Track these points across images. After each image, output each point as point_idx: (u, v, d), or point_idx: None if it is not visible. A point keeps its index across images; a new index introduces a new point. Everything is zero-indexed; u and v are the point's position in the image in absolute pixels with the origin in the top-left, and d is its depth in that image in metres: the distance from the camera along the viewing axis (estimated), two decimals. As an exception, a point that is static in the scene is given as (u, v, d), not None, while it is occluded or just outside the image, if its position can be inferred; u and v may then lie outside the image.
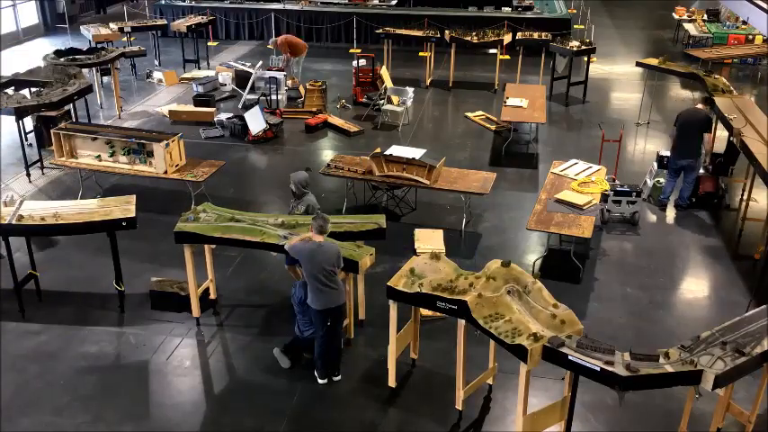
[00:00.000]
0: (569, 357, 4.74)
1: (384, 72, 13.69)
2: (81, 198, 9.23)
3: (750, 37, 16.63)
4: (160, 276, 7.51)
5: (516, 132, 11.98)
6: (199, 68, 15.73)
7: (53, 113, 10.50)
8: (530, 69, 14.66)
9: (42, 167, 10.42)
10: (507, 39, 14.71)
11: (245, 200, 9.67)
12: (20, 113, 9.78)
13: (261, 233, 6.48)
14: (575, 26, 18.54)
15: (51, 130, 9.38)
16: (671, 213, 9.37)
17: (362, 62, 13.87)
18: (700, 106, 9.42)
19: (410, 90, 12.54)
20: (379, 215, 6.87)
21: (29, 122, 10.87)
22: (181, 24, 15.81)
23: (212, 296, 7.27)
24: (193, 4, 18.61)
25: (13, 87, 10.86)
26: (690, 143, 9.15)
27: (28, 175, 10.20)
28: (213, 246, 6.97)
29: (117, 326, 7.03)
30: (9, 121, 10.06)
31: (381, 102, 12.78)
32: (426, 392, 6.17)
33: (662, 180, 9.71)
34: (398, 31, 15.82)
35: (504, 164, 10.89)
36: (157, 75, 14.96)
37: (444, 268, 5.79)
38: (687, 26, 18.05)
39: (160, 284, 7.34)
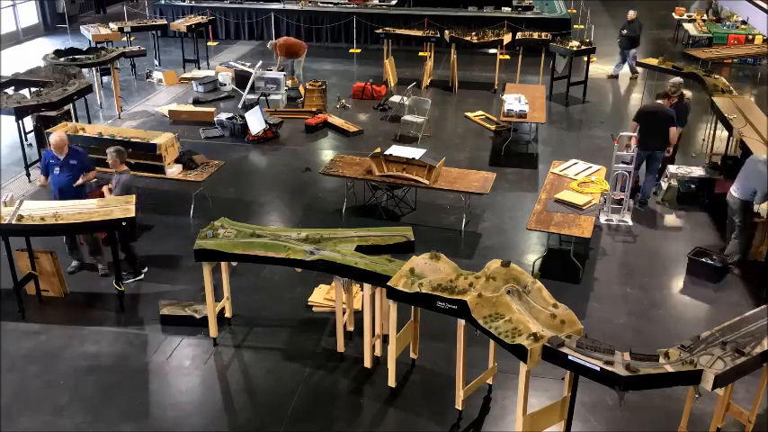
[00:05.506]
0: (569, 357, 4.74)
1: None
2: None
3: (750, 37, 16.64)
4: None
5: (516, 132, 11.99)
6: (199, 68, 15.73)
7: (53, 113, 10.50)
8: (530, 69, 14.67)
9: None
10: (507, 39, 14.71)
11: (245, 200, 9.67)
12: (20, 113, 9.77)
13: (285, 249, 6.28)
14: (575, 26, 18.55)
15: (45, 132, 9.38)
16: (671, 213, 9.38)
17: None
18: (660, 102, 9.34)
19: (429, 101, 12.13)
20: (406, 227, 6.67)
21: (29, 122, 10.86)
22: (181, 24, 15.82)
23: (228, 314, 7.04)
24: (193, 4, 18.62)
25: (13, 87, 10.86)
26: (654, 136, 9.10)
27: (28, 175, 10.19)
28: (235, 263, 6.74)
29: (117, 326, 7.03)
30: (9, 121, 10.06)
31: (391, 105, 12.68)
32: (426, 392, 6.17)
33: (674, 183, 9.69)
34: (398, 31, 15.84)
35: (504, 164, 10.89)
36: (157, 75, 14.97)
37: (444, 268, 5.79)
38: (687, 26, 18.06)
39: (171, 308, 7.08)
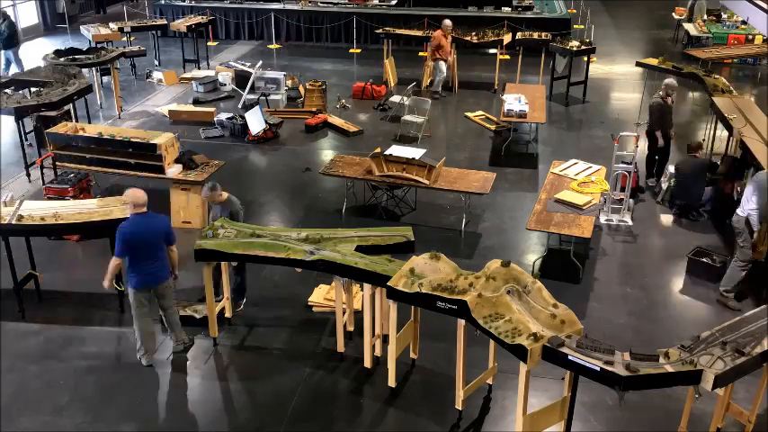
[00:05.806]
0: (569, 357, 4.74)
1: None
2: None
3: (750, 37, 16.63)
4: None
5: (516, 132, 11.99)
6: (199, 68, 15.73)
7: (53, 113, 10.50)
8: (530, 69, 14.65)
9: (42, 167, 10.40)
10: (507, 39, 14.71)
11: (245, 200, 9.62)
12: (20, 113, 9.77)
13: (285, 249, 6.27)
14: (575, 26, 18.53)
15: (45, 132, 9.38)
16: (671, 213, 9.37)
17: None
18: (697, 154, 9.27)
19: (429, 101, 12.15)
20: (406, 227, 6.67)
21: (29, 122, 10.86)
22: (181, 24, 15.82)
23: (228, 314, 7.03)
24: (193, 4, 18.61)
25: (12, 87, 10.87)
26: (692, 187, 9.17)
27: (28, 175, 10.19)
28: (235, 263, 6.80)
29: (117, 326, 7.03)
30: (9, 121, 10.06)
31: (391, 105, 12.70)
32: (426, 392, 6.18)
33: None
34: (398, 31, 15.84)
35: (504, 164, 10.88)
36: (157, 75, 14.97)
37: (444, 268, 5.79)
38: (687, 26, 18.05)
39: None
